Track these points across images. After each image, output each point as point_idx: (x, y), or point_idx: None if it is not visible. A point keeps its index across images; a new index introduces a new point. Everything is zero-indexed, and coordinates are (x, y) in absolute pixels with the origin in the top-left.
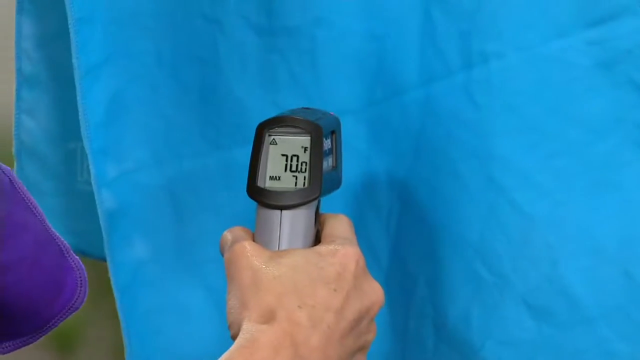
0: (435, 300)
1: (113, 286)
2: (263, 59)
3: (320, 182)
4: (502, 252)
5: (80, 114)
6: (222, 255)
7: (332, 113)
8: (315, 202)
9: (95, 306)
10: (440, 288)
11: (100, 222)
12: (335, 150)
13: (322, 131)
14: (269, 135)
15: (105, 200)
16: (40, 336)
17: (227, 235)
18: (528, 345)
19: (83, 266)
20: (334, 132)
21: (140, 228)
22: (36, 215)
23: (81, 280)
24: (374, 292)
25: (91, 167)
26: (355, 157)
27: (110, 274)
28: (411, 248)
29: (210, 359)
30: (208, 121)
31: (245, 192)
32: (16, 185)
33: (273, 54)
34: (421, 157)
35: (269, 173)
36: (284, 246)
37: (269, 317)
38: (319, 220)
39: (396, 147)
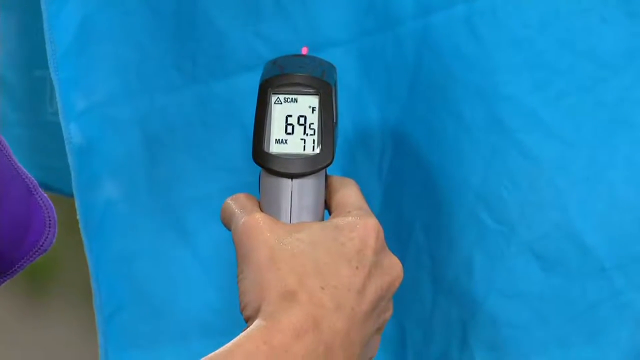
0: (433, 250)
1: (81, 228)
2: None
3: (333, 146)
4: (507, 198)
5: (46, 41)
6: (226, 226)
7: (327, 61)
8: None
9: (67, 245)
10: (438, 236)
11: (68, 158)
12: (336, 104)
13: (331, 89)
14: (274, 94)
15: (73, 135)
16: (6, 279)
17: (232, 204)
18: (536, 297)
19: (52, 204)
20: (335, 84)
21: (110, 166)
22: (1, 150)
23: (50, 220)
24: (393, 269)
25: (58, 99)
26: (344, 93)
27: (78, 215)
28: (406, 193)
29: (184, 304)
30: (184, 52)
31: (224, 129)
32: None
33: None
34: (417, 94)
35: (275, 136)
36: (295, 217)
37: (289, 299)
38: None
39: (390, 82)
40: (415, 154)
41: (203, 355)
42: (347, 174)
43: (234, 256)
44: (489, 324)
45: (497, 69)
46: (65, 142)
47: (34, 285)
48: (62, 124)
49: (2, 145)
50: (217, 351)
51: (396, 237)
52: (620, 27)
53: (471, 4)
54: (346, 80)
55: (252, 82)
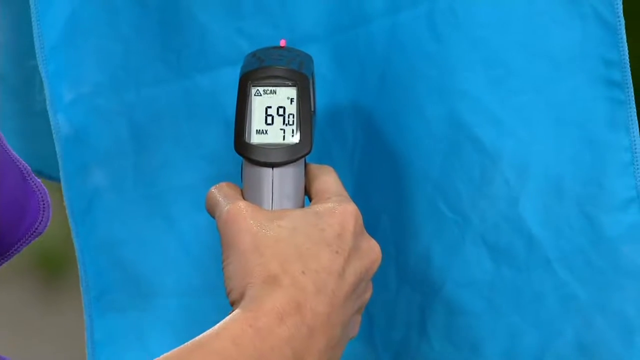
0: (397, 238)
1: (68, 214)
2: None
3: (311, 136)
4: (462, 190)
5: (35, 35)
6: (211, 214)
7: (305, 52)
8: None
9: None
10: (401, 225)
11: (56, 147)
12: (314, 94)
13: (308, 81)
14: (253, 86)
15: (61, 125)
16: (3, 262)
17: (215, 193)
18: (487, 286)
19: (45, 189)
20: (313, 74)
21: (97, 154)
22: None
23: (44, 204)
24: (372, 251)
25: (46, 90)
26: (321, 86)
27: (65, 202)
28: (374, 183)
29: (169, 288)
30: (169, 46)
31: (207, 121)
32: None
33: None
34: (386, 89)
35: (255, 127)
36: (277, 204)
37: (272, 283)
38: (306, 171)
39: (362, 77)
40: (383, 147)
41: (187, 337)
42: (321, 163)
43: (217, 242)
44: (445, 311)
45: (456, 67)
46: (53, 131)
47: (49, 273)
48: (50, 114)
49: None
50: (204, 334)
51: (366, 226)
52: (571, 30)
53: (433, 4)
54: (321, 75)
55: (233, 75)
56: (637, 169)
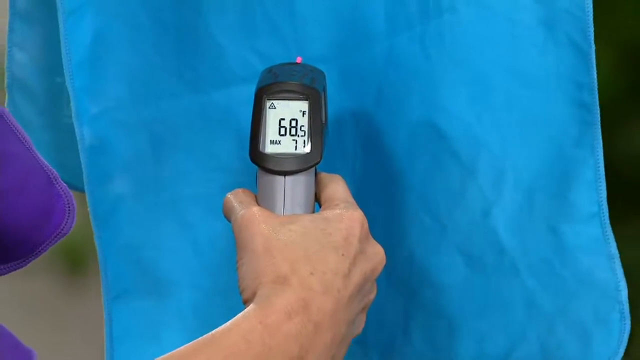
0: (387, 244)
1: (91, 219)
2: (243, 5)
3: (321, 146)
4: (441, 200)
5: (63, 52)
6: (227, 218)
7: (317, 68)
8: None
9: None
10: (391, 231)
11: (81, 158)
12: (325, 107)
13: (319, 95)
14: (268, 100)
15: (85, 136)
16: (30, 261)
17: (232, 199)
18: (461, 292)
19: (71, 193)
20: (324, 89)
21: (119, 164)
22: (24, 144)
23: (69, 207)
24: (376, 255)
25: (73, 104)
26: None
27: (89, 209)
28: (370, 192)
29: (184, 290)
30: (187, 63)
31: (221, 133)
32: (6, 119)
33: (253, 1)
34: (381, 106)
35: (269, 137)
36: (288, 210)
37: (282, 283)
38: (316, 180)
39: (363, 95)
40: (377, 159)
41: (200, 335)
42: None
43: (230, 246)
44: (424, 314)
45: (440, 84)
46: (79, 142)
47: (72, 265)
48: (76, 127)
49: (25, 140)
50: (216, 329)
51: None
52: (547, 54)
53: (425, 27)
54: (328, 93)
55: (247, 92)
56: (600, 185)
